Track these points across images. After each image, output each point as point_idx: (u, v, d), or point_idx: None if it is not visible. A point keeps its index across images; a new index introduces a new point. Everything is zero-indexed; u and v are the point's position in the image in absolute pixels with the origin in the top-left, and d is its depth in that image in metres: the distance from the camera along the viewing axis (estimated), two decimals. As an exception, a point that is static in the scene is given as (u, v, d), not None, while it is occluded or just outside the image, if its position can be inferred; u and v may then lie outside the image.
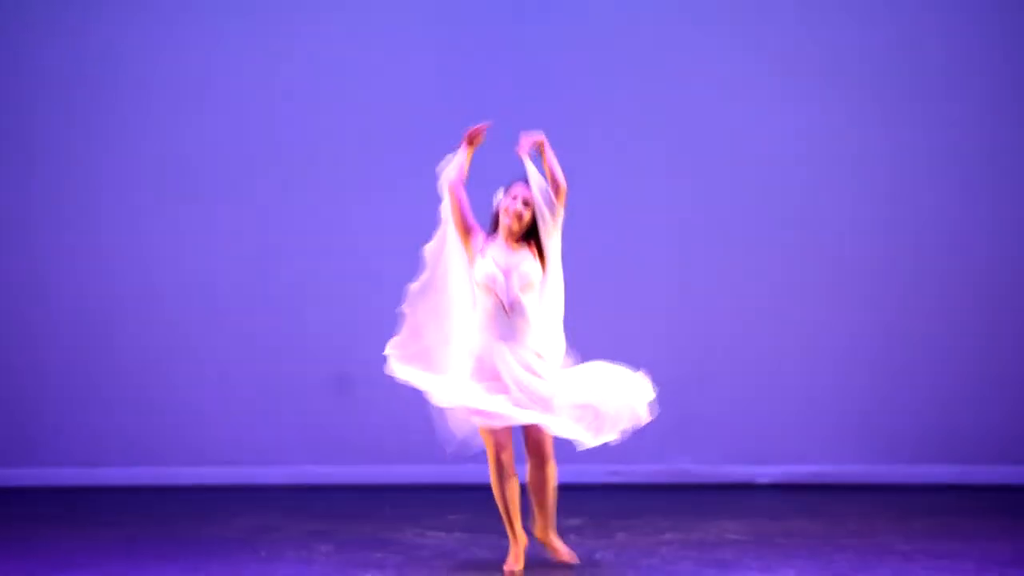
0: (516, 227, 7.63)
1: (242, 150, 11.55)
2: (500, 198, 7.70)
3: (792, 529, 9.46)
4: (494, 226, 7.72)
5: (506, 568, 7.76)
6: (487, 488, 7.93)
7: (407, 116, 11.52)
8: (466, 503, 9.87)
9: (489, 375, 7.56)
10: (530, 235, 7.70)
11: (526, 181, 7.64)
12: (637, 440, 11.29)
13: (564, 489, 10.42)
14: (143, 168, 11.53)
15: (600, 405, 7.67)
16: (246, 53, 11.57)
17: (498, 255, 7.60)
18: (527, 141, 7.65)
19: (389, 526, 9.46)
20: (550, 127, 11.54)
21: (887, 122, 11.54)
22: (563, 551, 8.01)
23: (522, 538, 7.82)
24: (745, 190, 11.55)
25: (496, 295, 7.55)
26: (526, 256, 7.59)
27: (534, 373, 7.56)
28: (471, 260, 7.66)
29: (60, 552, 8.75)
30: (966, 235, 11.55)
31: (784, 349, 11.53)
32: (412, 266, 11.51)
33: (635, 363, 11.35)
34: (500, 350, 7.55)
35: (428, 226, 7.95)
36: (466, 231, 7.69)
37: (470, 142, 7.75)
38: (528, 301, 7.57)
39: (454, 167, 7.71)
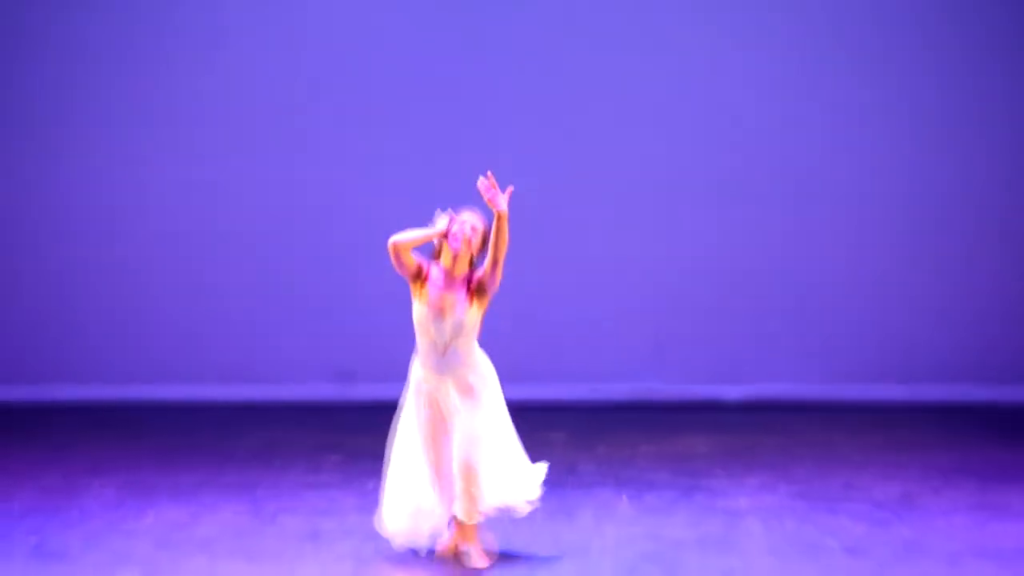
0: (461, 261, 7.12)
1: (265, 96, 11.83)
2: (442, 219, 7.15)
3: (756, 443, 9.90)
4: (436, 252, 7.20)
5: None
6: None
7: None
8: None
9: (428, 404, 7.26)
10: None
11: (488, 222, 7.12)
12: (616, 362, 11.67)
13: (548, 408, 10.51)
14: (183, 108, 11.78)
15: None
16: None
17: (435, 294, 7.11)
18: (494, 202, 7.01)
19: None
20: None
21: (852, 57, 11.76)
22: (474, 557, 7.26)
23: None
24: (717, 123, 11.70)
25: (429, 336, 7.13)
26: (462, 297, 7.11)
27: (471, 399, 7.19)
28: (416, 296, 7.21)
29: (94, 461, 9.30)
30: (929, 166, 11.71)
31: (751, 278, 11.73)
32: (410, 203, 11.65)
33: (610, 291, 11.68)
34: (436, 385, 7.19)
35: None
36: (415, 279, 7.19)
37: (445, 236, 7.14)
38: (462, 342, 7.12)
39: (414, 237, 7.08)
